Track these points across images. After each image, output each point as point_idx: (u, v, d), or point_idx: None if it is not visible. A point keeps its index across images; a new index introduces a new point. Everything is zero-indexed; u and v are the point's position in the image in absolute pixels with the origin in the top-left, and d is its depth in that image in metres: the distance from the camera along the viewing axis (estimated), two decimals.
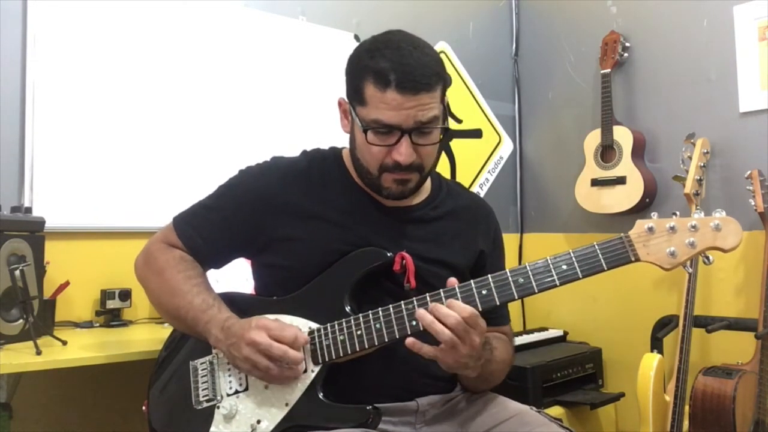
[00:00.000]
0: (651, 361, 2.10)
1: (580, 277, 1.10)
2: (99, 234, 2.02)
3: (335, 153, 1.39)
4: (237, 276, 1.72)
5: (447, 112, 1.29)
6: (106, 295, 1.95)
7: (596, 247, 1.11)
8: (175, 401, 1.29)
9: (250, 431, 1.20)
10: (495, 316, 1.33)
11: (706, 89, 2.43)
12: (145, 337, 1.83)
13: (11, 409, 1.54)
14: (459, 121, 2.83)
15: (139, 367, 1.50)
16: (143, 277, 1.36)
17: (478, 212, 1.43)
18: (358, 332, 1.18)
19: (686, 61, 2.49)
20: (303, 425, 1.18)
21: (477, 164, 2.99)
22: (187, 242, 1.32)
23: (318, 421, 1.18)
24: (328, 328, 1.20)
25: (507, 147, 3.09)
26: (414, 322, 1.15)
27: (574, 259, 1.11)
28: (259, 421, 1.21)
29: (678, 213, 1.13)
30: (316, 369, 1.20)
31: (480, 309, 1.12)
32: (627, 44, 2.65)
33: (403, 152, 1.20)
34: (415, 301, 1.16)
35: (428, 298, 1.15)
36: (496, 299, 1.13)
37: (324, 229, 1.28)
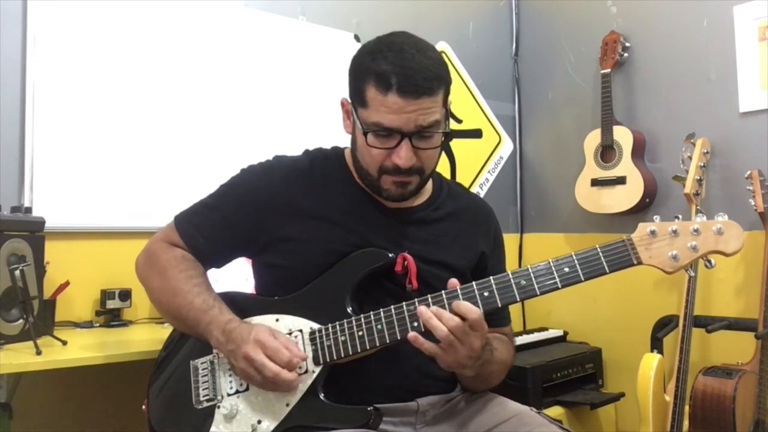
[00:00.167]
0: (651, 361, 2.10)
1: (582, 279, 1.11)
2: (99, 234, 2.02)
3: (337, 153, 1.39)
4: (237, 276, 1.72)
5: (449, 114, 1.29)
6: (106, 295, 1.95)
7: (598, 249, 1.11)
8: (175, 401, 1.29)
9: (250, 431, 1.20)
10: (496, 317, 1.33)
11: (706, 89, 2.43)
12: (145, 337, 1.83)
13: (11, 409, 1.54)
14: (459, 121, 2.83)
15: (139, 367, 1.50)
16: (144, 277, 1.36)
17: (478, 213, 1.43)
18: (360, 333, 1.18)
19: (686, 61, 2.49)
20: (304, 425, 1.18)
21: (477, 164, 2.99)
22: (188, 241, 1.32)
23: (319, 421, 1.18)
24: (330, 328, 1.20)
25: (507, 147, 3.09)
26: (415, 324, 1.15)
27: (576, 261, 1.11)
28: (259, 421, 1.20)
29: (680, 216, 1.13)
30: (317, 369, 1.20)
31: (482, 311, 1.12)
32: (627, 44, 2.65)
33: (403, 156, 1.20)
34: (416, 302, 1.16)
35: (430, 300, 1.15)
36: (498, 301, 1.13)
37: (325, 230, 1.28)
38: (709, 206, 2.29)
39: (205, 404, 1.25)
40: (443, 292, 1.15)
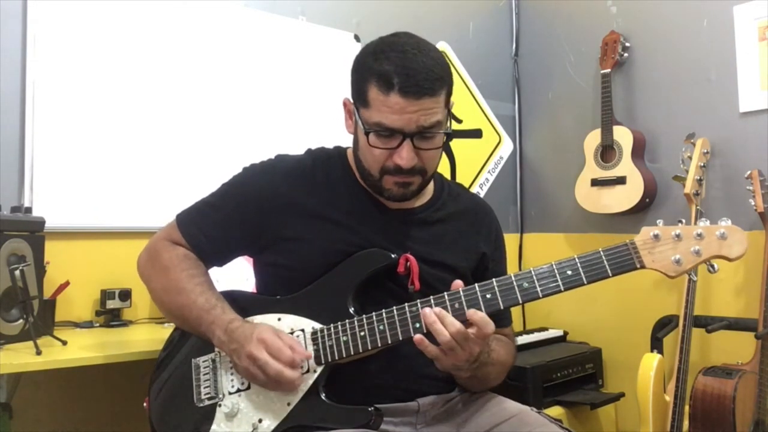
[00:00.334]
0: (651, 361, 2.10)
1: (585, 283, 1.11)
2: (99, 234, 2.02)
3: (340, 153, 1.38)
4: (237, 275, 1.72)
5: (451, 115, 1.29)
6: (106, 295, 1.95)
7: (601, 253, 1.11)
8: (176, 399, 1.29)
9: (251, 430, 1.20)
10: (497, 318, 1.32)
11: (706, 89, 2.43)
12: (145, 337, 1.83)
13: (11, 409, 1.54)
14: (459, 121, 2.83)
15: (139, 367, 1.50)
16: (146, 275, 1.36)
17: (479, 214, 1.43)
18: (362, 333, 1.18)
19: (686, 61, 2.49)
20: (304, 425, 1.18)
21: (477, 164, 2.99)
22: (190, 240, 1.32)
23: (319, 421, 1.18)
24: (332, 328, 1.20)
25: (507, 147, 3.09)
26: (417, 325, 1.15)
27: (579, 264, 1.11)
28: (260, 420, 1.20)
29: (683, 221, 1.14)
30: (319, 369, 1.20)
31: (484, 313, 1.12)
32: (627, 44, 2.65)
33: (405, 156, 1.20)
34: (419, 304, 1.16)
35: (432, 301, 1.15)
36: (500, 303, 1.13)
37: (327, 230, 1.28)
38: (709, 206, 2.29)
39: (207, 402, 1.25)
40: (445, 294, 1.15)
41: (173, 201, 1.51)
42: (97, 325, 1.95)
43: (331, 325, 1.21)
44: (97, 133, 2.01)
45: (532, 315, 2.94)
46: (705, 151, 2.26)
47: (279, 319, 1.25)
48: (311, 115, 2.43)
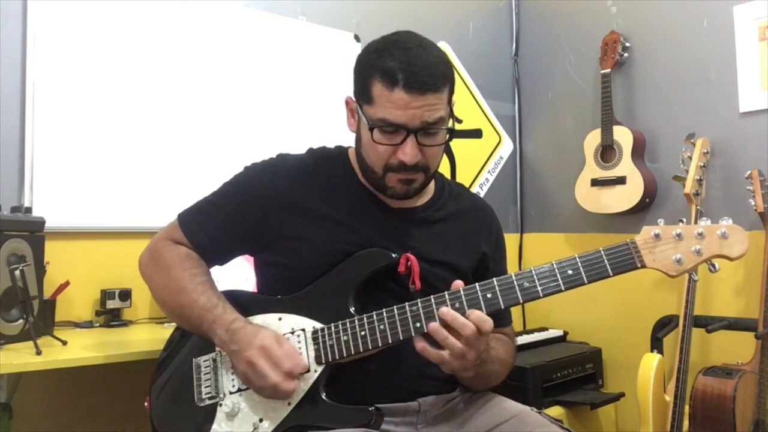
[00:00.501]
0: (651, 361, 2.10)
1: (586, 282, 1.11)
2: (99, 234, 2.02)
3: (341, 152, 1.39)
4: (236, 275, 1.72)
5: (453, 114, 1.30)
6: (106, 295, 1.95)
7: (602, 252, 1.11)
8: (177, 398, 1.29)
9: (252, 429, 1.20)
10: (497, 317, 1.33)
11: (706, 89, 2.43)
12: (145, 337, 1.83)
13: (11, 409, 1.54)
14: (459, 121, 2.81)
15: (139, 367, 1.50)
16: (148, 275, 1.36)
17: (480, 214, 1.43)
18: (362, 333, 1.18)
19: (686, 61, 2.49)
20: (305, 425, 1.18)
21: (477, 164, 2.99)
22: (192, 239, 1.32)
23: (320, 421, 1.17)
24: (332, 328, 1.20)
25: (507, 147, 3.09)
26: (418, 324, 1.15)
27: (579, 264, 1.11)
28: (261, 420, 1.20)
29: (684, 220, 1.14)
30: (320, 369, 1.20)
31: (485, 313, 1.13)
32: (627, 44, 2.65)
33: (408, 152, 1.20)
34: (419, 303, 1.16)
35: (433, 301, 1.15)
36: (501, 303, 1.13)
37: (329, 229, 1.28)
38: (709, 206, 2.29)
39: (207, 402, 1.25)
40: (446, 293, 1.15)
41: (173, 201, 1.51)
42: (97, 325, 1.95)
43: (332, 324, 1.20)
44: (97, 133, 2.01)
45: (532, 315, 2.94)
46: (705, 151, 2.26)
47: (280, 319, 1.25)
48: (311, 114, 2.43)
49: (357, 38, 2.57)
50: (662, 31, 2.57)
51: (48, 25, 1.94)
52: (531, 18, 3.11)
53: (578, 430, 2.35)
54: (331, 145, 1.42)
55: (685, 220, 2.13)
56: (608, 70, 2.61)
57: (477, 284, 1.15)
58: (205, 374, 1.27)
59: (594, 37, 2.73)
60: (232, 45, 2.29)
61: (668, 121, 2.54)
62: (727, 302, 2.31)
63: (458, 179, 2.83)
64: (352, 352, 1.18)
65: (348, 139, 1.40)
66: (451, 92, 1.26)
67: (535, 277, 1.12)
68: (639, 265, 1.09)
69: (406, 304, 1.17)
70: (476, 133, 2.98)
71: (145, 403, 1.34)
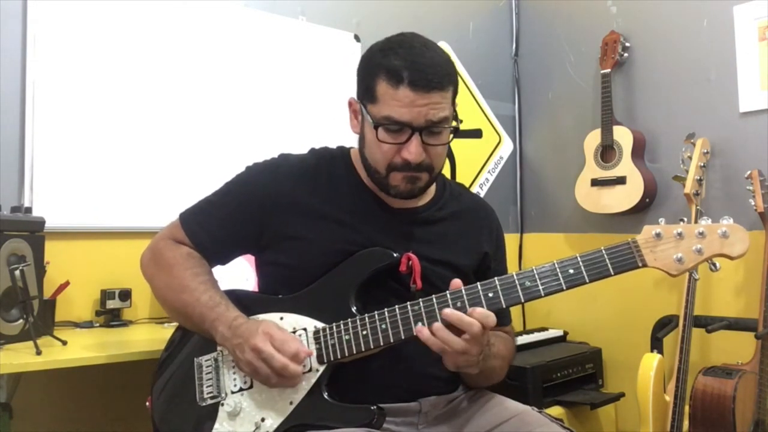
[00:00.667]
0: (651, 361, 2.10)
1: (587, 281, 1.11)
2: (99, 234, 2.02)
3: (343, 153, 1.39)
4: (237, 275, 1.72)
5: (456, 114, 1.30)
6: (106, 295, 1.95)
7: (603, 251, 1.11)
8: (179, 398, 1.29)
9: (254, 429, 1.20)
10: (498, 316, 1.33)
11: (706, 89, 2.43)
12: (145, 337, 1.83)
13: (11, 409, 1.54)
14: (459, 121, 2.82)
15: (139, 367, 1.50)
16: (150, 274, 1.36)
17: (481, 214, 1.43)
18: (364, 332, 1.18)
19: (686, 61, 2.49)
20: (307, 424, 1.18)
21: (477, 164, 2.98)
22: (193, 238, 1.32)
23: (322, 420, 1.17)
24: (334, 327, 1.20)
25: (507, 147, 3.09)
26: (420, 324, 1.15)
27: (581, 263, 1.11)
28: (263, 419, 1.20)
29: (685, 219, 1.14)
30: (321, 368, 1.20)
31: (483, 308, 1.12)
32: (627, 44, 2.65)
33: (413, 151, 1.20)
34: (421, 303, 1.16)
35: (434, 300, 1.15)
36: (503, 302, 1.13)
37: (330, 229, 1.28)
38: (709, 206, 2.29)
39: (209, 401, 1.25)
40: (447, 293, 1.15)
41: (174, 201, 1.51)
42: (97, 325, 1.95)
43: (334, 324, 1.20)
44: (97, 133, 2.01)
45: (532, 315, 2.94)
46: (705, 151, 2.26)
47: (281, 318, 1.24)
48: (311, 114, 2.43)
49: (357, 38, 2.57)
50: (662, 31, 2.57)
51: (48, 25, 1.94)
52: (531, 18, 3.11)
53: (578, 430, 2.35)
54: (332, 145, 1.42)
55: (686, 219, 2.13)
56: (608, 70, 2.61)
57: (478, 283, 1.15)
58: (206, 374, 1.27)
59: (594, 37, 2.73)
60: (232, 45, 2.29)
61: (668, 121, 2.54)
62: (727, 302, 2.31)
63: (458, 179, 2.83)
64: (354, 352, 1.18)
65: (349, 140, 1.40)
66: (455, 93, 1.26)
67: (536, 276, 1.12)
68: (640, 264, 1.09)
69: (408, 303, 1.17)
70: (476, 133, 2.98)
71: (147, 403, 1.34)
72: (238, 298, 1.28)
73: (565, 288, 1.11)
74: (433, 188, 1.38)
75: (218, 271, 1.37)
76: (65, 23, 1.97)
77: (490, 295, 1.13)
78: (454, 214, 1.38)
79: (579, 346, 2.64)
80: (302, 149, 1.40)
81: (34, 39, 1.91)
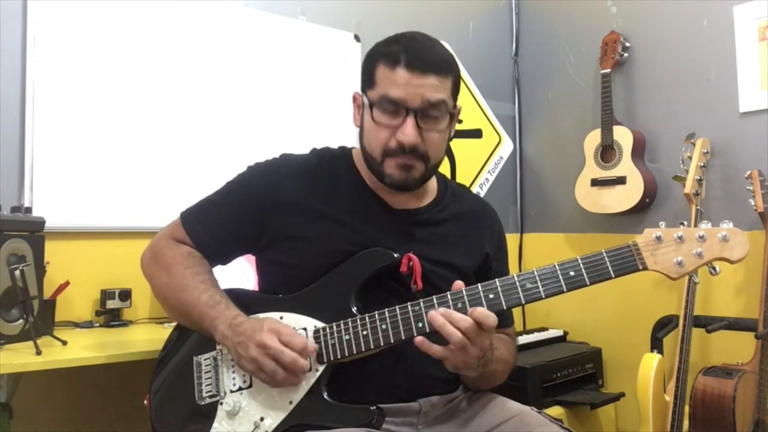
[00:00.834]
0: (651, 361, 2.10)
1: (588, 284, 1.11)
2: (99, 234, 2.02)
3: (345, 153, 1.39)
4: (237, 275, 1.72)
5: (457, 111, 1.32)
6: (106, 295, 1.95)
7: (604, 254, 1.11)
8: (177, 396, 1.29)
9: (253, 428, 1.20)
10: (500, 318, 1.33)
11: (706, 89, 2.43)
12: (145, 337, 1.83)
13: (11, 409, 1.54)
14: (459, 122, 2.82)
15: (139, 367, 1.50)
16: (150, 273, 1.36)
17: (482, 215, 1.43)
18: (364, 332, 1.18)
19: (686, 61, 2.50)
20: (306, 424, 1.18)
21: (477, 164, 2.98)
22: (194, 238, 1.32)
23: (321, 420, 1.17)
24: (334, 327, 1.20)
25: (507, 147, 3.08)
26: (420, 324, 1.15)
27: (581, 265, 1.11)
28: (262, 419, 1.20)
29: (686, 223, 1.14)
30: (321, 368, 1.20)
31: (483, 307, 1.12)
32: (627, 44, 2.65)
33: (407, 132, 1.21)
34: (421, 303, 1.16)
35: (435, 301, 1.15)
36: (504, 304, 1.13)
37: (331, 229, 1.28)
38: (709, 206, 2.29)
39: (208, 400, 1.25)
40: (448, 293, 1.15)
41: (174, 201, 1.51)
42: (97, 325, 1.95)
43: (334, 324, 1.20)
44: (97, 133, 2.01)
45: (532, 315, 2.95)
46: (705, 151, 2.26)
47: (281, 318, 1.24)
48: (311, 114, 2.43)
49: (357, 38, 2.57)
50: (662, 31, 2.57)
51: (48, 25, 1.94)
52: (531, 18, 3.11)
53: (578, 430, 2.35)
54: (332, 145, 1.42)
55: (686, 222, 2.13)
56: (608, 70, 2.61)
57: (479, 285, 1.15)
58: (205, 372, 1.27)
59: (594, 37, 2.73)
60: (232, 45, 2.29)
61: (668, 121, 2.54)
62: (727, 302, 2.31)
63: (458, 179, 2.83)
64: (354, 352, 1.18)
65: (349, 140, 1.40)
66: (455, 86, 1.27)
67: (537, 278, 1.12)
68: (641, 267, 1.09)
69: (408, 303, 1.17)
70: (476, 133, 2.97)
71: (145, 402, 1.34)
72: (237, 297, 1.28)
73: (565, 290, 1.11)
74: (434, 189, 1.39)
75: (218, 271, 1.37)
76: (65, 23, 1.97)
77: (491, 296, 1.13)
78: (456, 215, 1.38)
79: (579, 346, 2.64)
80: (302, 149, 1.40)
81: (34, 39, 1.91)
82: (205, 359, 1.28)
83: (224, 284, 1.33)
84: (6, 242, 1.57)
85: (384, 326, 1.17)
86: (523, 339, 2.55)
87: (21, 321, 1.57)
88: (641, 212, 2.56)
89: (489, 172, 3.03)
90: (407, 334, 1.15)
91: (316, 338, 1.21)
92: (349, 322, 1.19)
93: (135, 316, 2.05)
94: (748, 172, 2.12)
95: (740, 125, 2.33)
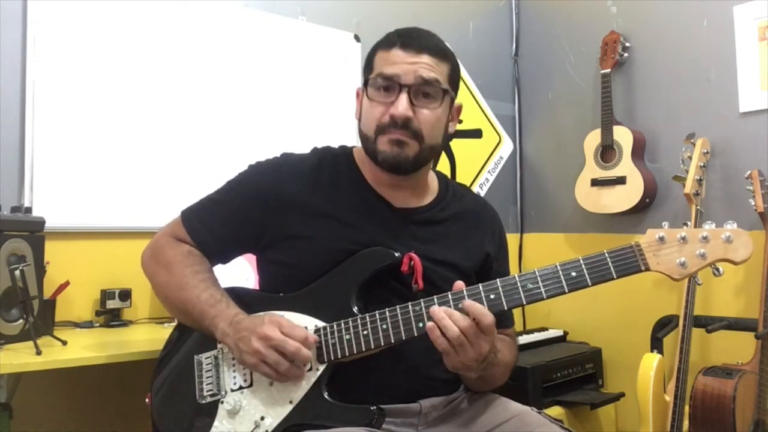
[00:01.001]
0: (651, 361, 2.10)
1: (590, 284, 1.10)
2: (99, 234, 2.02)
3: (346, 152, 1.39)
4: (237, 275, 1.72)
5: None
6: (106, 295, 1.95)
7: (606, 255, 1.10)
8: (178, 395, 1.29)
9: (253, 427, 1.20)
10: (500, 318, 1.32)
11: (706, 89, 2.43)
12: (145, 337, 1.83)
13: (11, 409, 1.54)
14: (459, 122, 2.83)
15: (139, 368, 1.50)
16: (150, 271, 1.36)
17: (483, 214, 1.43)
18: (365, 332, 1.18)
19: (686, 61, 2.49)
20: (307, 423, 1.18)
21: (477, 164, 2.98)
22: (195, 236, 1.32)
23: (322, 419, 1.17)
24: (335, 327, 1.20)
25: (507, 147, 3.09)
26: (421, 324, 1.14)
27: (583, 266, 1.11)
28: (263, 418, 1.20)
29: (689, 223, 1.13)
30: (322, 367, 1.20)
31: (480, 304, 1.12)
32: (627, 44, 2.65)
33: (399, 105, 1.22)
34: (422, 303, 1.15)
35: (435, 300, 1.15)
36: (504, 304, 1.13)
37: (332, 228, 1.28)
38: (709, 206, 2.29)
39: (209, 399, 1.25)
40: (449, 293, 1.15)
41: (174, 201, 1.51)
42: (97, 325, 1.95)
43: (334, 323, 1.20)
44: (97, 133, 2.01)
45: (532, 315, 2.94)
46: (705, 151, 2.26)
47: (282, 316, 1.24)
48: (311, 114, 2.43)
49: (357, 38, 2.57)
50: (662, 31, 2.57)
51: (48, 25, 1.94)
52: (531, 18, 3.11)
53: (578, 430, 2.35)
54: (332, 144, 1.42)
55: (689, 222, 2.13)
56: (608, 70, 2.61)
57: (480, 285, 1.14)
58: (206, 371, 1.27)
59: (594, 37, 2.73)
60: (232, 45, 2.29)
61: (668, 121, 2.54)
62: (727, 302, 2.31)
63: (458, 179, 2.83)
64: (355, 352, 1.18)
65: (349, 139, 1.40)
66: (452, 76, 1.31)
67: (538, 278, 1.12)
68: (643, 268, 1.09)
69: (409, 303, 1.16)
70: (476, 133, 2.98)
71: (146, 400, 1.34)
72: (238, 295, 1.29)
73: (567, 291, 1.11)
74: (435, 188, 1.39)
75: (218, 270, 1.37)
76: (65, 23, 1.97)
77: (492, 296, 1.13)
78: (457, 215, 1.38)
79: (579, 346, 2.64)
80: (303, 149, 1.40)
81: (34, 39, 1.91)
82: (205, 358, 1.28)
83: (224, 284, 1.33)
84: (6, 242, 1.57)
85: (385, 326, 1.17)
86: (523, 339, 2.55)
87: (21, 321, 1.57)
88: (641, 212, 2.56)
89: (489, 172, 3.04)
90: (408, 334, 1.15)
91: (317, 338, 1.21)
92: (350, 322, 1.19)
93: (135, 316, 2.04)
94: (748, 172, 2.12)
95: (740, 125, 2.33)
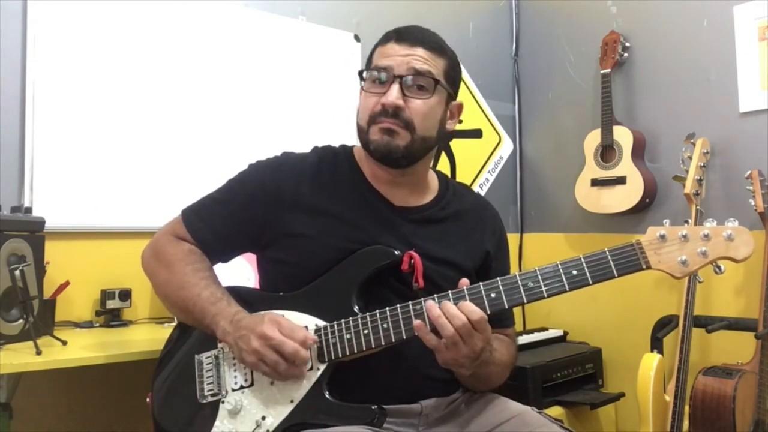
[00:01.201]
0: (651, 361, 2.10)
1: (590, 283, 1.10)
2: (99, 234, 2.02)
3: (346, 150, 1.39)
4: (237, 274, 1.72)
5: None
6: (106, 295, 1.95)
7: (607, 253, 1.10)
8: (179, 395, 1.29)
9: (254, 427, 1.20)
10: (500, 317, 1.32)
11: (706, 89, 2.43)
12: (145, 337, 1.83)
13: (11, 409, 1.54)
14: (459, 122, 2.83)
15: (139, 367, 1.50)
16: (151, 270, 1.36)
17: (483, 213, 1.43)
18: (365, 331, 1.18)
19: (686, 61, 2.50)
20: (307, 423, 1.18)
21: (477, 164, 2.99)
22: (195, 235, 1.32)
23: (323, 418, 1.17)
24: (335, 326, 1.20)
25: (507, 147, 3.09)
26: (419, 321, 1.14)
27: (584, 264, 1.10)
28: (264, 417, 1.20)
29: (690, 221, 1.13)
30: (322, 367, 1.20)
31: (488, 312, 1.12)
32: (627, 44, 2.65)
33: (389, 94, 1.23)
34: (422, 302, 1.15)
35: (436, 299, 1.15)
36: (505, 302, 1.13)
37: (332, 227, 1.28)
38: (709, 206, 2.29)
39: (210, 399, 1.25)
40: (449, 292, 1.15)
41: (174, 201, 1.51)
42: (97, 325, 1.95)
43: (335, 322, 1.20)
44: (97, 133, 2.01)
45: (532, 315, 2.94)
46: (705, 151, 2.26)
47: (282, 316, 1.24)
48: (311, 114, 2.43)
49: (357, 38, 2.57)
50: (662, 31, 2.57)
51: (48, 25, 1.93)
52: (531, 18, 3.11)
53: (578, 430, 2.35)
54: (332, 143, 1.42)
55: (690, 221, 2.13)
56: (608, 70, 2.61)
57: (481, 284, 1.14)
58: (207, 371, 1.26)
59: (594, 37, 2.73)
60: (232, 45, 2.29)
61: (668, 121, 2.54)
62: (727, 302, 2.31)
63: (458, 179, 2.83)
64: (355, 351, 1.18)
65: (349, 138, 1.40)
66: (449, 72, 1.32)
67: (539, 277, 1.12)
68: (644, 266, 1.08)
69: (410, 302, 1.16)
70: (476, 133, 2.98)
71: (147, 399, 1.34)
72: (239, 294, 1.28)
73: (568, 289, 1.11)
74: (435, 187, 1.39)
75: (218, 270, 1.37)
76: (65, 23, 1.97)
77: (493, 295, 1.13)
78: (457, 214, 1.38)
79: (579, 346, 2.64)
80: (303, 148, 1.40)
81: (34, 39, 1.91)
82: (206, 357, 1.28)
83: (225, 283, 1.33)
84: (6, 242, 1.57)
85: (385, 325, 1.17)
86: (523, 339, 2.55)
87: (21, 321, 1.57)
88: (641, 212, 2.56)
89: (489, 172, 3.04)
90: (408, 334, 1.15)
91: (317, 337, 1.21)
92: (350, 321, 1.19)
93: (135, 316, 2.04)
94: (748, 172, 2.12)
95: (740, 125, 2.33)
